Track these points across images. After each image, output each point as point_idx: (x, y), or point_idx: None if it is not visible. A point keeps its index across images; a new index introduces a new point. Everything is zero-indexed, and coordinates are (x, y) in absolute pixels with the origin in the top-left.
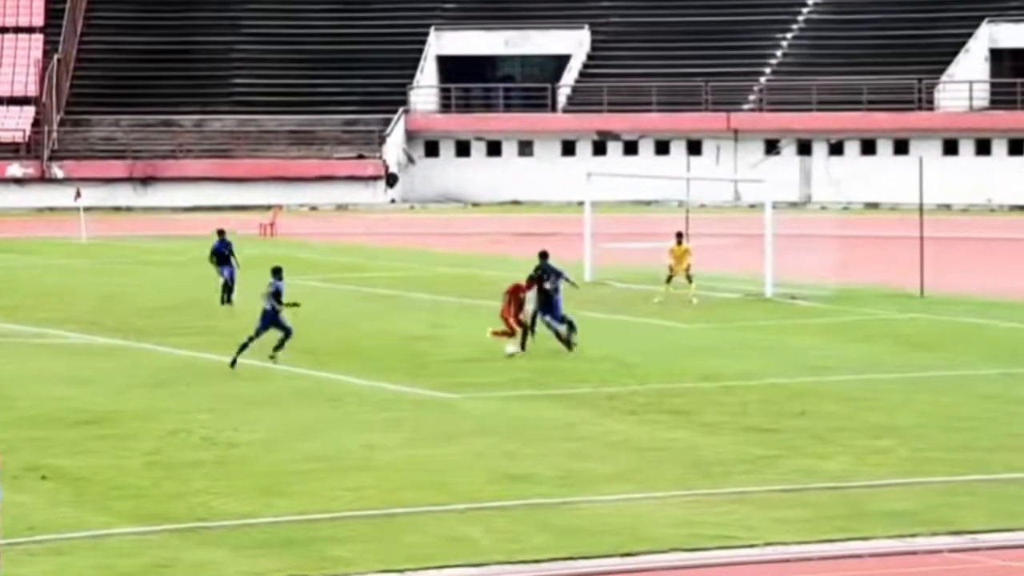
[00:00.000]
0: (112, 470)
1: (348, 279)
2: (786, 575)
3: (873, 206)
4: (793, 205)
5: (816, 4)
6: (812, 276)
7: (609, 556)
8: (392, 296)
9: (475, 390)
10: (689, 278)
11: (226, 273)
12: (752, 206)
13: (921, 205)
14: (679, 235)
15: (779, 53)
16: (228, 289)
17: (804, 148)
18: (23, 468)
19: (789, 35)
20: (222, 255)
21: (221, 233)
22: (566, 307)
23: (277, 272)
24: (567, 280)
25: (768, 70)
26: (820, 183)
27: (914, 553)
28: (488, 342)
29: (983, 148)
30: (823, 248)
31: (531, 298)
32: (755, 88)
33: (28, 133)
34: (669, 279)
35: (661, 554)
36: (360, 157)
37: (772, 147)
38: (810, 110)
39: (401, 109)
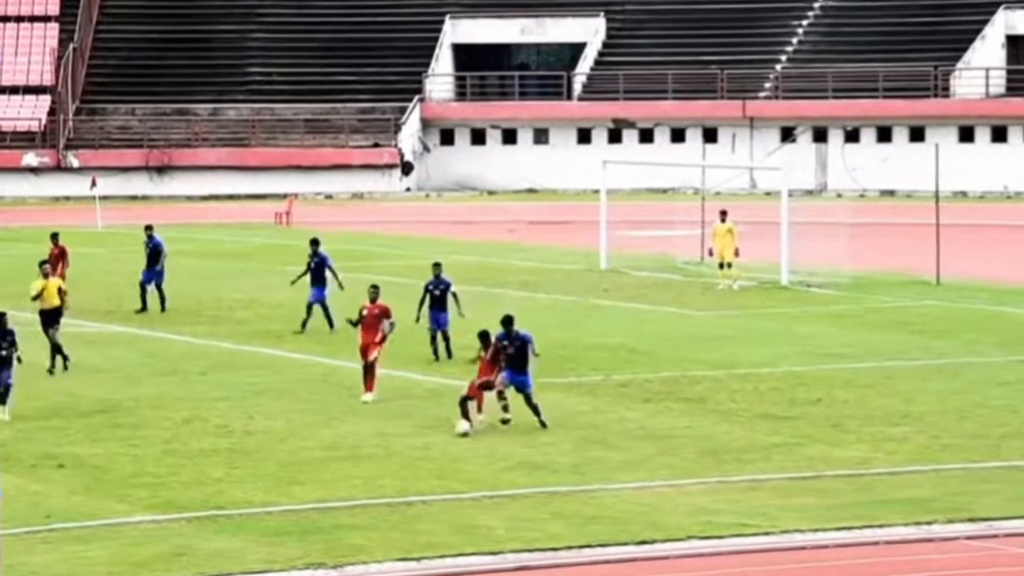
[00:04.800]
0: (128, 458)
1: (362, 267)
2: (802, 563)
3: (889, 193)
4: (809, 193)
5: None
6: (828, 264)
7: (625, 544)
8: (406, 285)
9: None
10: (730, 263)
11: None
12: (768, 194)
13: (937, 192)
14: (723, 213)
15: (795, 40)
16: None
17: (820, 136)
18: (40, 457)
19: (805, 22)
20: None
21: (149, 229)
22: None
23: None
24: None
25: (784, 57)
26: (836, 171)
27: (931, 540)
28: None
29: (999, 135)
30: (839, 236)
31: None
32: (771, 76)
33: (44, 122)
34: (721, 265)
35: (677, 542)
36: (375, 145)
37: (788, 135)
38: (826, 98)
39: (416, 97)
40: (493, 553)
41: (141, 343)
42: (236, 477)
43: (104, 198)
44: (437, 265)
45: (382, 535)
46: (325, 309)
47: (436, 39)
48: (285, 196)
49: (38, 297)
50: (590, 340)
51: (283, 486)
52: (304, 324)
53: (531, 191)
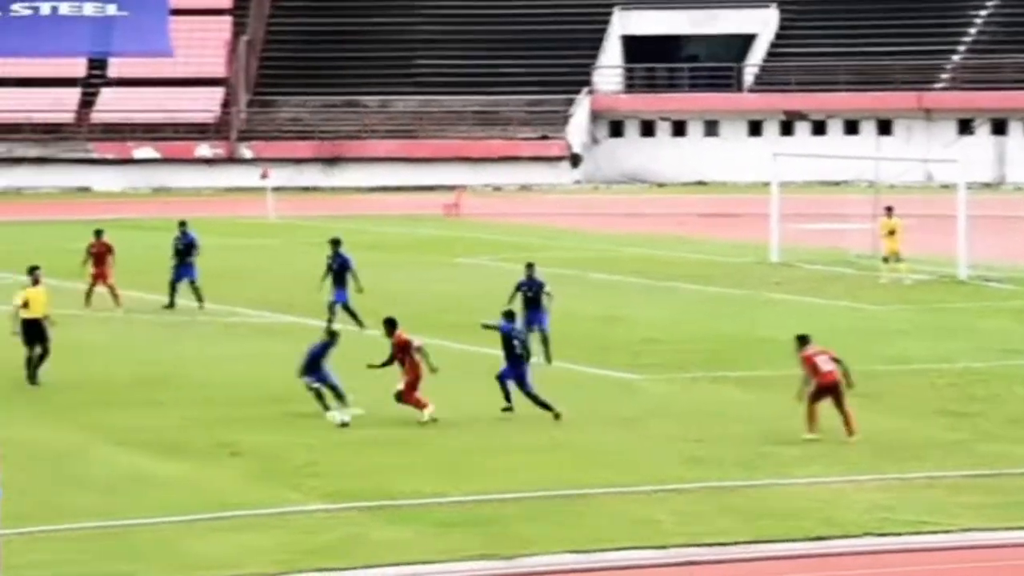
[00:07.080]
0: (301, 447)
1: (528, 258)
2: (979, 561)
3: None
4: (987, 186)
5: None
6: (1007, 258)
7: (798, 540)
8: (574, 277)
9: (656, 371)
10: (898, 257)
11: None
12: (944, 187)
13: None
14: (888, 209)
15: (973, 30)
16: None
17: (999, 128)
18: (214, 444)
19: (983, 12)
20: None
21: (183, 225)
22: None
23: None
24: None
25: (961, 48)
26: (1016, 163)
27: None
28: (668, 322)
29: None
30: (1019, 230)
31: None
32: (947, 66)
33: (217, 114)
34: (886, 259)
35: (853, 539)
36: (544, 138)
37: (965, 127)
38: (1005, 88)
39: (585, 89)
40: (660, 547)
41: (316, 334)
42: (407, 467)
43: (276, 189)
44: (530, 266)
45: (551, 528)
46: (349, 310)
47: (604, 31)
48: (453, 188)
49: (25, 307)
50: (761, 334)
51: (453, 477)
52: (330, 324)
53: (701, 183)
